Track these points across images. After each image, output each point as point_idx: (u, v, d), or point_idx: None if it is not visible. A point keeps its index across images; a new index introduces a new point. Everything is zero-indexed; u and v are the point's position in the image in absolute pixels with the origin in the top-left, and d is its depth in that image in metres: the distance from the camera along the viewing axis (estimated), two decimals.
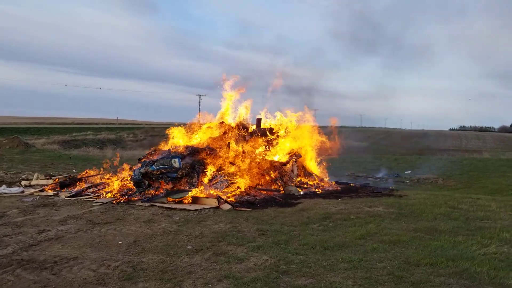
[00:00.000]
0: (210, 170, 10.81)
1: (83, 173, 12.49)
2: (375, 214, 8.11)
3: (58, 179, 11.65)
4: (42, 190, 10.66)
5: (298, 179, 12.17)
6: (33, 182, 11.72)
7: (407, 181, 19.45)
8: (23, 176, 12.97)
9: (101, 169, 12.50)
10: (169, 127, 13.11)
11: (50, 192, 10.40)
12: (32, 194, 10.27)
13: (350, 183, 14.32)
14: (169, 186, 9.76)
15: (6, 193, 10.29)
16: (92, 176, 11.94)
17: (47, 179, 11.92)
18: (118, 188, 10.26)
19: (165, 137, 13.00)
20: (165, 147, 12.07)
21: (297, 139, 13.32)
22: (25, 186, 11.45)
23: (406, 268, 4.95)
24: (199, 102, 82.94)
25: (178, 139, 12.68)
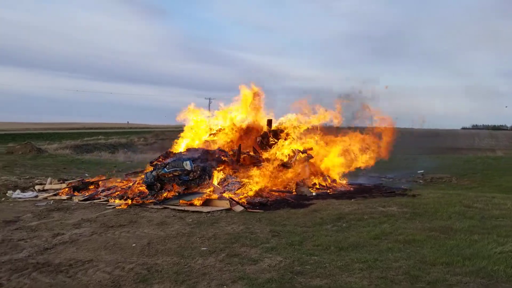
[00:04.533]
0: (222, 172, 10.82)
1: (96, 177, 12.58)
2: (389, 214, 8.04)
3: (71, 183, 11.74)
4: (55, 194, 10.75)
5: (310, 180, 12.11)
6: (47, 187, 11.81)
7: (420, 181, 19.23)
8: (37, 181, 13.08)
9: (107, 174, 12.55)
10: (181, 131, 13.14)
11: (64, 196, 10.48)
12: (46, 198, 10.36)
13: (363, 184, 14.22)
14: (181, 189, 9.77)
15: (20, 197, 10.40)
16: (104, 180, 12.01)
17: (60, 183, 12.00)
18: (133, 191, 10.28)
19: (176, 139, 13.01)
20: (175, 148, 12.07)
21: (309, 140, 13.27)
22: (39, 190, 11.54)
23: (422, 268, 4.90)
24: (209, 105, 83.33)
25: (192, 140, 12.63)
